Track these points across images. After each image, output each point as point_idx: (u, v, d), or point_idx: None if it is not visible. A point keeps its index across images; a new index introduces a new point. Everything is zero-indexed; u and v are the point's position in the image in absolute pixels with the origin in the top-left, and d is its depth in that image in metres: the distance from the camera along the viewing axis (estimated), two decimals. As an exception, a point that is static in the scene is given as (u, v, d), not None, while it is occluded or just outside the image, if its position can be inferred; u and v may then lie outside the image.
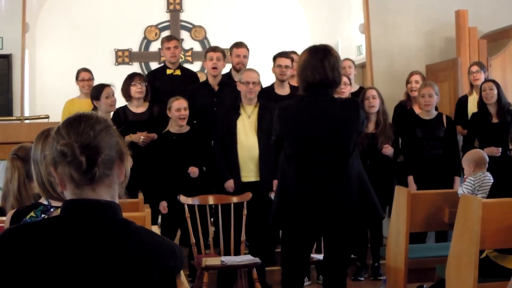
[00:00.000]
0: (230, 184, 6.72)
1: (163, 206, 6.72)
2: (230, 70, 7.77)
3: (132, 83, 7.28)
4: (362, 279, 7.28)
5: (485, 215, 4.66)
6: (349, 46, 11.69)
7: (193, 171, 6.77)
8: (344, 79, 7.41)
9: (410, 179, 7.36)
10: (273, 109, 6.27)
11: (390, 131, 7.31)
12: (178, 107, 6.83)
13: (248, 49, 7.77)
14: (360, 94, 7.57)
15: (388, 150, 7.20)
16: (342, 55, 11.33)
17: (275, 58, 7.47)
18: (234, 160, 6.73)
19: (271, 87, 7.53)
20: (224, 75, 7.69)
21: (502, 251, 4.96)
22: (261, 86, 6.95)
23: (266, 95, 7.22)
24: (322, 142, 4.60)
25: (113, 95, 7.05)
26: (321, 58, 4.62)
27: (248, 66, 7.49)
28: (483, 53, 9.07)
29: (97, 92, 7.07)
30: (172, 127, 6.95)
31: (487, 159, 5.91)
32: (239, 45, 7.75)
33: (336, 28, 12.28)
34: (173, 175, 6.81)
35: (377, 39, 9.78)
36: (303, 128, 4.64)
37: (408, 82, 8.11)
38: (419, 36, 9.84)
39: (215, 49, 7.66)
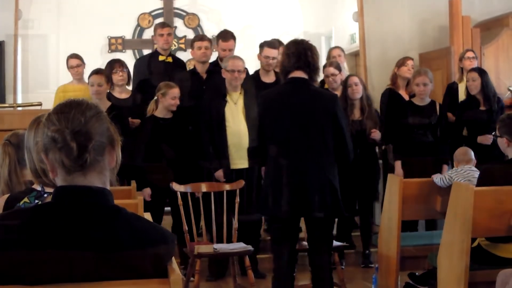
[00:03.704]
0: (220, 173, 6.74)
1: (147, 193, 6.73)
2: (217, 58, 7.74)
3: (113, 71, 7.32)
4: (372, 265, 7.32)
5: (477, 203, 4.66)
6: (342, 34, 11.70)
7: None
8: (333, 70, 7.51)
9: (398, 164, 7.37)
10: (258, 95, 6.47)
11: (376, 116, 7.34)
12: (175, 95, 6.87)
13: (235, 41, 7.71)
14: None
15: (376, 134, 7.20)
16: (335, 43, 11.50)
17: (262, 46, 7.51)
18: (223, 148, 6.75)
19: (257, 74, 7.55)
20: (211, 63, 7.69)
21: (493, 240, 4.98)
22: (248, 73, 6.99)
23: (252, 82, 7.29)
24: (298, 128, 4.82)
25: (99, 85, 6.97)
26: (294, 45, 4.96)
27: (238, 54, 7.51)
28: (476, 42, 9.06)
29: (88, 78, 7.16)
30: (159, 112, 6.97)
31: (470, 155, 5.97)
32: (225, 38, 7.64)
33: (330, 16, 12.29)
34: (160, 160, 6.86)
35: (370, 27, 9.77)
36: (280, 115, 4.85)
37: (404, 64, 8.09)
38: (413, 24, 9.82)
39: (202, 38, 7.70)
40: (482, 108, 7.53)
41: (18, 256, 2.04)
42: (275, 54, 7.36)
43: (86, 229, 2.07)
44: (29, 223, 2.08)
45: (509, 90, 8.50)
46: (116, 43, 12.90)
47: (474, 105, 7.56)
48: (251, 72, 7.67)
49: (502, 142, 5.10)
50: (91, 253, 2.06)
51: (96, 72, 7.08)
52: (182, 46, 12.95)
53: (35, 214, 2.11)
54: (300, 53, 4.86)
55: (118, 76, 7.29)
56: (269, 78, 7.39)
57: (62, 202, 2.12)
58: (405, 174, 7.08)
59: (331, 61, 7.70)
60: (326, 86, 7.59)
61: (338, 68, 7.62)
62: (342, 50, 8.62)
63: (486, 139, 7.34)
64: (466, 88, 7.66)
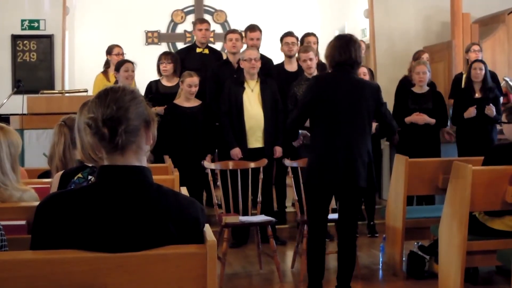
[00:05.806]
0: (235, 152, 6.76)
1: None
2: (226, 54, 7.76)
3: (160, 62, 7.51)
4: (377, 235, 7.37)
5: (475, 180, 4.67)
6: (354, 29, 11.64)
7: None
8: (311, 54, 7.07)
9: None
10: (272, 83, 6.91)
11: None
12: (190, 83, 6.92)
13: (261, 32, 7.67)
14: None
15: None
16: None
17: (282, 38, 7.58)
18: (242, 130, 6.80)
19: (281, 64, 7.59)
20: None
21: (489, 214, 4.98)
22: (272, 62, 6.99)
23: (277, 71, 7.40)
24: (346, 106, 4.83)
25: (132, 71, 7.24)
26: (346, 42, 4.89)
27: (262, 47, 7.55)
28: (475, 37, 9.03)
29: (119, 65, 7.32)
30: (180, 100, 7.01)
31: None
32: (252, 29, 7.62)
33: (343, 13, 12.26)
34: (186, 144, 6.89)
35: (379, 23, 9.75)
36: (333, 94, 4.85)
37: (421, 58, 8.05)
38: (418, 20, 9.79)
39: (234, 31, 7.71)
40: (477, 96, 7.50)
41: (67, 234, 2.06)
42: (294, 40, 7.49)
43: (129, 206, 2.08)
44: (76, 203, 2.09)
45: (504, 79, 8.45)
46: (152, 37, 12.94)
47: (470, 92, 7.53)
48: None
49: (510, 128, 5.06)
50: (136, 228, 2.07)
51: (130, 61, 7.32)
52: (211, 39, 12.96)
53: (82, 195, 2.12)
54: (346, 47, 4.87)
55: (162, 67, 7.47)
56: (292, 67, 7.48)
57: (105, 181, 2.12)
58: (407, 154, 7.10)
59: (307, 46, 7.34)
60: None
61: (315, 53, 7.27)
62: (364, 42, 8.53)
63: (469, 113, 7.41)
64: (468, 77, 7.60)
